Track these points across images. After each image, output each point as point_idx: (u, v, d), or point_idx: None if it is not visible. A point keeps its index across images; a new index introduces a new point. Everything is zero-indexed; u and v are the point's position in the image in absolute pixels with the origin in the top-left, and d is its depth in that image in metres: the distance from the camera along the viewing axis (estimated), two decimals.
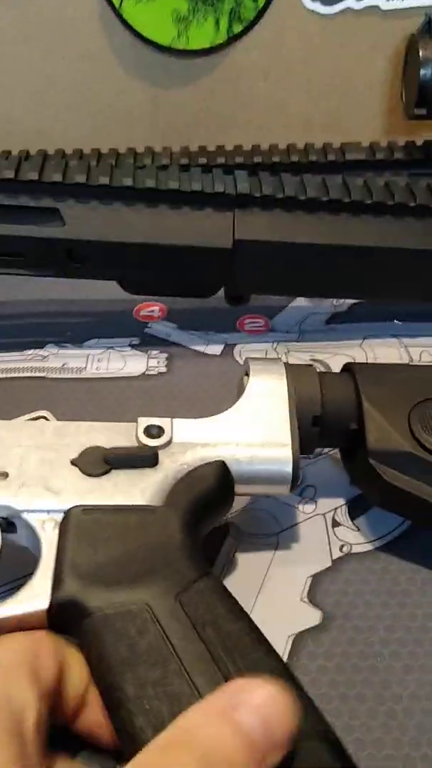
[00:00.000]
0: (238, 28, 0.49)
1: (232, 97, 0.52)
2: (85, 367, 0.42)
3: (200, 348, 0.44)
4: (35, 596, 0.24)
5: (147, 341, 0.44)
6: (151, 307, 0.47)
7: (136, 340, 0.44)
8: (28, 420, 0.31)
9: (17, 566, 0.29)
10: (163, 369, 0.42)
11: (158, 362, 0.42)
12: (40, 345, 0.43)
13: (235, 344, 0.44)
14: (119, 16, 0.49)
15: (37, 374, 0.41)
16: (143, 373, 0.42)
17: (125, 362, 0.42)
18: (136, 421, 0.29)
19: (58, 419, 0.38)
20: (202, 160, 0.48)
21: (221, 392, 0.41)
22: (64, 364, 0.42)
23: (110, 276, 0.41)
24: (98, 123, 0.53)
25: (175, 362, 0.42)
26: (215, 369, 0.42)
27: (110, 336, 0.44)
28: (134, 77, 0.52)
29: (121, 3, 0.48)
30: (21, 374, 0.41)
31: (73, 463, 0.28)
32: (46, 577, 0.25)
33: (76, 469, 0.28)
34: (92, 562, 0.25)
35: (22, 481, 0.27)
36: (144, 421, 0.29)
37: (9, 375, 0.41)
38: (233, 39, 0.49)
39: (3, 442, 0.28)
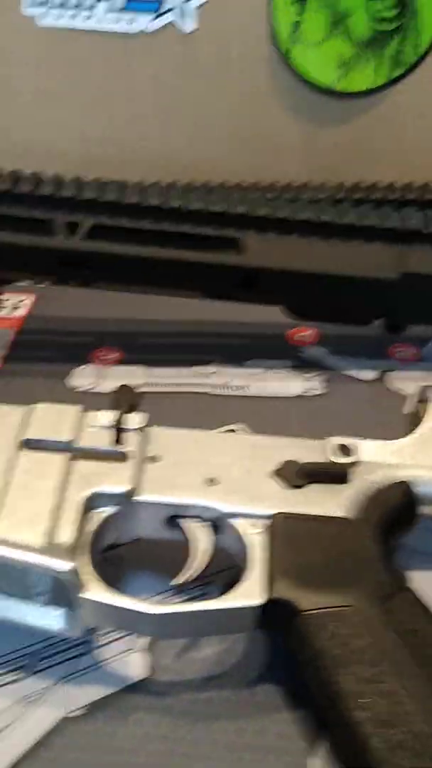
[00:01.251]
0: (397, 72, 0.51)
1: (387, 136, 0.54)
2: (247, 386, 0.45)
3: (353, 373, 0.46)
4: (249, 594, 0.27)
5: (302, 364, 0.47)
6: (305, 332, 0.49)
7: (291, 363, 0.47)
8: (224, 432, 0.33)
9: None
10: (320, 391, 0.44)
11: (314, 385, 0.45)
12: (205, 362, 0.47)
13: (387, 371, 0.46)
14: (284, 59, 0.52)
15: (203, 390, 0.45)
16: (301, 395, 0.44)
17: (283, 383, 0.45)
18: (323, 439, 0.32)
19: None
20: (356, 196, 0.51)
21: (376, 416, 0.43)
22: (226, 382, 0.45)
23: (277, 301, 0.44)
24: (255, 158, 0.56)
25: (331, 385, 0.45)
26: (369, 394, 0.44)
27: (267, 357, 0.47)
28: (292, 115, 0.55)
29: (288, 49, 0.51)
30: (187, 389, 0.45)
31: (273, 474, 0.30)
32: (257, 577, 0.27)
33: (276, 480, 0.30)
34: (300, 565, 0.27)
35: (229, 487, 0.30)
36: (335, 440, 0.32)
37: (177, 389, 0.44)
38: (392, 82, 0.52)
39: (209, 450, 0.31)
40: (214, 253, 0.41)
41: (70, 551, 0.26)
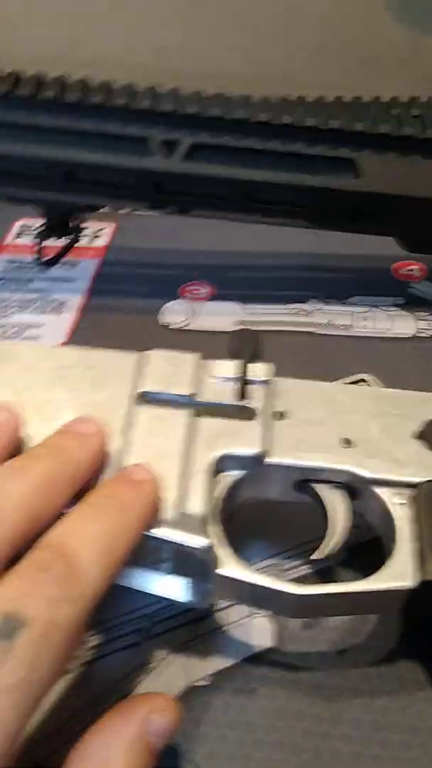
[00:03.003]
0: None
1: None
2: (351, 325, 0.41)
3: None
4: (400, 574, 0.24)
5: (412, 301, 0.42)
6: (411, 266, 0.45)
7: (400, 300, 0.43)
8: (350, 383, 0.30)
9: (306, 529, 0.29)
10: None
11: (429, 324, 0.41)
12: (303, 299, 0.43)
13: None
14: None
15: (304, 329, 0.41)
16: (414, 335, 0.40)
17: (392, 322, 0.41)
18: None
19: (329, 378, 0.37)
20: None
21: None
22: (329, 321, 0.41)
23: (391, 232, 0.39)
24: (352, 69, 0.50)
25: None
26: None
27: (372, 294, 0.43)
28: (397, 20, 0.49)
29: None
30: (287, 327, 0.41)
31: (417, 436, 0.27)
32: (407, 554, 0.24)
33: (419, 443, 0.27)
34: None
35: (367, 449, 0.27)
36: None
37: (276, 328, 0.41)
38: None
39: (341, 407, 0.28)
40: (328, 176, 0.37)
41: (203, 523, 0.24)
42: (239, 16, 0.51)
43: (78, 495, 0.24)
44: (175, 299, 0.43)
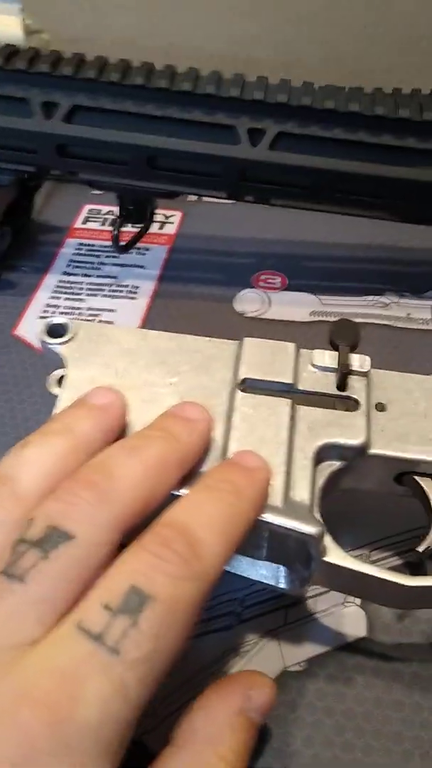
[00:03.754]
0: None
1: None
2: (431, 319, 0.41)
3: None
4: None
5: None
6: None
7: None
8: None
9: (400, 520, 0.29)
10: None
11: None
12: (379, 292, 0.43)
13: None
14: None
15: (382, 321, 0.41)
16: None
17: None
18: None
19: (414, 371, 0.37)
20: None
21: None
22: (408, 314, 0.41)
23: None
24: (429, 60, 0.50)
25: None
26: None
27: None
28: None
29: None
30: (365, 320, 0.41)
31: None
32: None
33: None
34: None
35: None
36: None
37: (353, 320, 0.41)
38: None
39: None
40: (419, 168, 0.36)
41: (310, 510, 0.24)
42: (322, 5, 0.51)
43: (185, 479, 0.24)
44: (247, 288, 0.43)
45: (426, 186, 0.36)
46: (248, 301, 0.42)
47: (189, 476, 0.24)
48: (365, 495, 0.29)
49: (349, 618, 0.28)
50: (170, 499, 0.23)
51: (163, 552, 0.20)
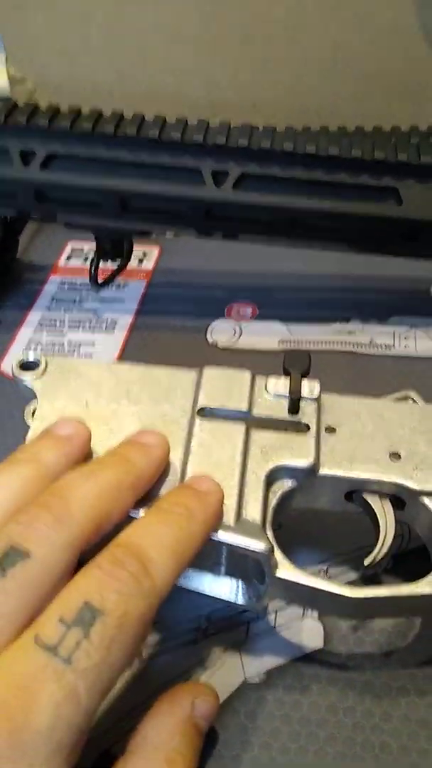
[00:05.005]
0: None
1: None
2: (393, 345, 0.43)
3: None
4: None
5: None
6: None
7: None
8: (397, 400, 0.32)
9: (349, 537, 0.31)
10: None
11: None
12: (345, 319, 0.45)
13: None
14: None
15: (346, 348, 0.43)
16: None
17: None
18: None
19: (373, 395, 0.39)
20: None
21: None
22: (371, 340, 0.43)
23: None
24: (394, 100, 0.53)
25: None
26: None
27: (412, 314, 0.45)
28: None
29: None
30: (330, 347, 0.43)
31: None
32: None
33: None
34: None
35: (415, 463, 0.28)
36: None
37: (319, 347, 0.43)
38: None
39: (388, 422, 0.30)
40: (372, 204, 0.39)
41: (262, 529, 0.26)
42: (289, 51, 0.54)
43: (141, 501, 0.26)
44: (220, 318, 0.46)
45: (379, 220, 0.39)
46: (220, 332, 0.44)
47: (147, 499, 0.26)
48: (325, 514, 0.31)
49: (307, 630, 0.29)
50: (128, 520, 0.24)
51: (115, 571, 0.22)
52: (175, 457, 0.28)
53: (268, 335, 0.44)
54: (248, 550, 0.25)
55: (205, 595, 0.28)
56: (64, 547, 0.22)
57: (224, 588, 0.28)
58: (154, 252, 0.52)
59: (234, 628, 0.30)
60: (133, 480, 0.25)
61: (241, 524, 0.26)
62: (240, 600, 0.28)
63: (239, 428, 0.28)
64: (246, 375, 0.30)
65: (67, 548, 0.22)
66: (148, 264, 0.51)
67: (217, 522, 0.25)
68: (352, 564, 0.31)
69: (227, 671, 0.28)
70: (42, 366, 0.30)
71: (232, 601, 0.28)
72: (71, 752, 0.20)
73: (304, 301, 0.47)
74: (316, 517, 0.32)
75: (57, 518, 0.22)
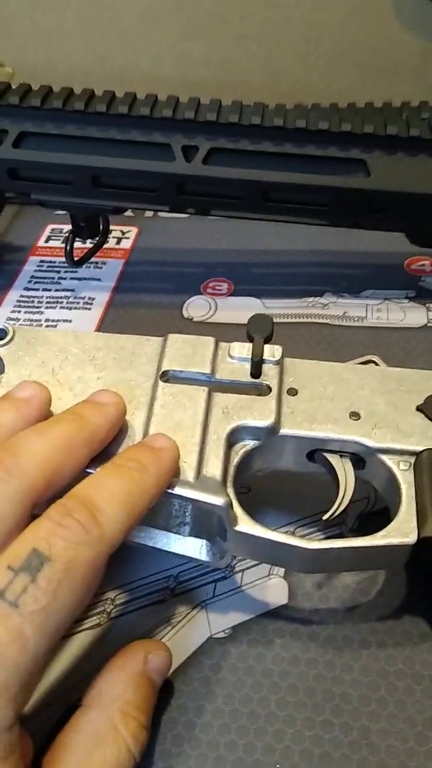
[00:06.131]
0: None
1: None
2: (365, 317, 0.43)
3: None
4: (402, 531, 0.26)
5: (423, 294, 0.45)
6: (423, 261, 0.47)
7: (412, 293, 0.45)
8: (360, 364, 0.33)
9: (316, 500, 0.31)
10: None
11: None
12: (319, 293, 0.45)
13: None
14: None
15: (320, 320, 0.43)
16: (425, 325, 0.42)
17: (405, 314, 0.43)
18: None
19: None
20: None
21: None
22: (344, 313, 0.44)
23: (401, 228, 0.42)
24: (366, 76, 0.53)
25: None
26: None
27: (385, 287, 0.45)
28: (407, 29, 0.51)
29: None
30: (304, 320, 0.43)
31: (419, 409, 0.29)
32: (410, 514, 0.27)
33: (421, 415, 0.29)
34: None
35: (374, 422, 0.29)
36: None
37: (294, 320, 0.43)
38: None
39: (349, 384, 0.30)
40: (340, 176, 0.39)
41: (222, 485, 0.26)
42: (263, 28, 0.54)
43: (99, 461, 0.26)
44: (196, 295, 0.46)
45: (348, 192, 0.39)
46: (196, 308, 0.45)
47: (105, 458, 0.26)
48: (293, 479, 0.31)
49: (272, 588, 0.30)
50: (84, 477, 0.25)
51: (64, 520, 0.22)
52: (139, 420, 0.28)
53: (243, 310, 0.45)
54: (207, 503, 0.25)
55: (171, 553, 0.29)
56: (13, 500, 0.23)
57: (189, 547, 0.29)
58: (132, 232, 0.52)
59: (201, 587, 0.30)
60: (87, 436, 0.26)
61: (201, 480, 0.26)
62: (204, 557, 0.28)
63: (202, 391, 0.29)
64: (209, 340, 0.31)
65: (17, 501, 0.23)
66: (127, 243, 0.52)
67: (171, 476, 0.26)
68: (320, 526, 0.32)
69: (193, 627, 0.29)
70: (9, 335, 0.31)
71: (196, 557, 0.28)
72: (18, 692, 0.20)
73: (280, 276, 0.47)
74: (285, 482, 0.33)
75: (7, 471, 0.23)
